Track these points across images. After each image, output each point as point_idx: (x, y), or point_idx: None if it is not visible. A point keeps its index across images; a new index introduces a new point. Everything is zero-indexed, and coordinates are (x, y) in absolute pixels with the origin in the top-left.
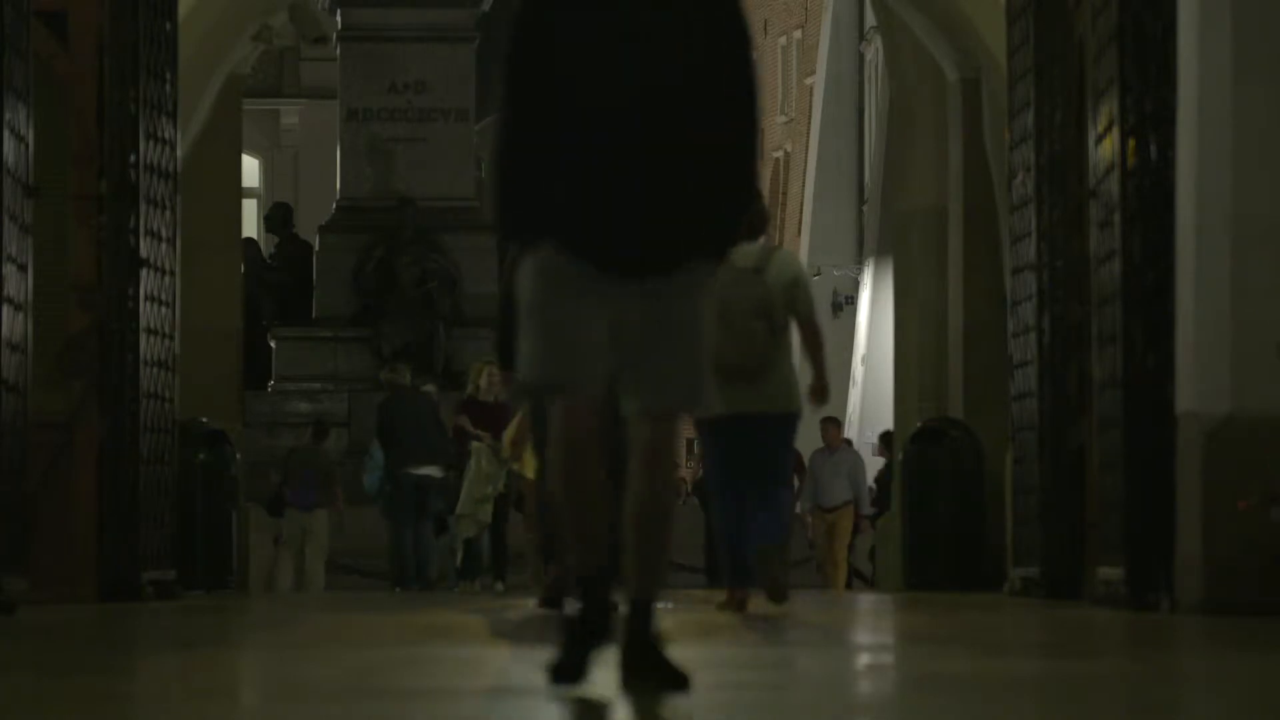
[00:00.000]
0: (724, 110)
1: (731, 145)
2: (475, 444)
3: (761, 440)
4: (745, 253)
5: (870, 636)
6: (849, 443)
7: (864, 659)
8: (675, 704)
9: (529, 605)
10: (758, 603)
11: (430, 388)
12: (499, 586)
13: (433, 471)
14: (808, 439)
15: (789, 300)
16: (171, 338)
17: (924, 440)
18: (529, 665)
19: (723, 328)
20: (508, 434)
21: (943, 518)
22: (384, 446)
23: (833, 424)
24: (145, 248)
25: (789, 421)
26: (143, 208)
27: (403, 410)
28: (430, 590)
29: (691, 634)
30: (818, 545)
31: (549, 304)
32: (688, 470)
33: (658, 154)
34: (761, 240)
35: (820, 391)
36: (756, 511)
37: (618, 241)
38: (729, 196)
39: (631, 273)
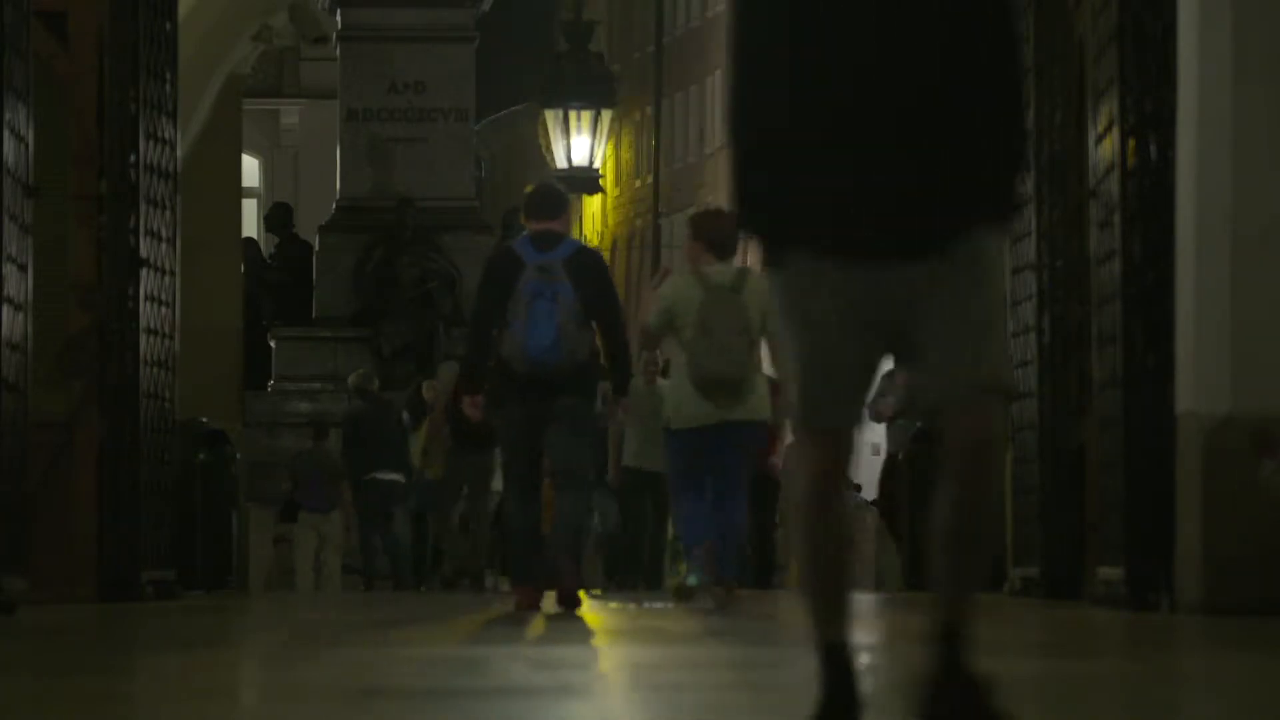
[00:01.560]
0: (984, 58)
1: (996, 96)
2: None
3: (737, 445)
4: (721, 272)
5: (870, 636)
6: None
7: (864, 659)
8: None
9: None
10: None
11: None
12: (488, 582)
13: (397, 477)
14: None
15: (764, 321)
16: (171, 338)
17: (924, 440)
18: (529, 665)
19: (706, 342)
20: (419, 442)
21: None
22: (346, 453)
23: None
24: (145, 248)
25: (760, 427)
26: (143, 208)
27: (370, 417)
28: (401, 589)
29: (689, 634)
30: (778, 542)
31: (804, 327)
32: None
33: (913, 116)
34: (734, 261)
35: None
36: (722, 532)
37: (879, 224)
38: (1001, 151)
39: (901, 256)
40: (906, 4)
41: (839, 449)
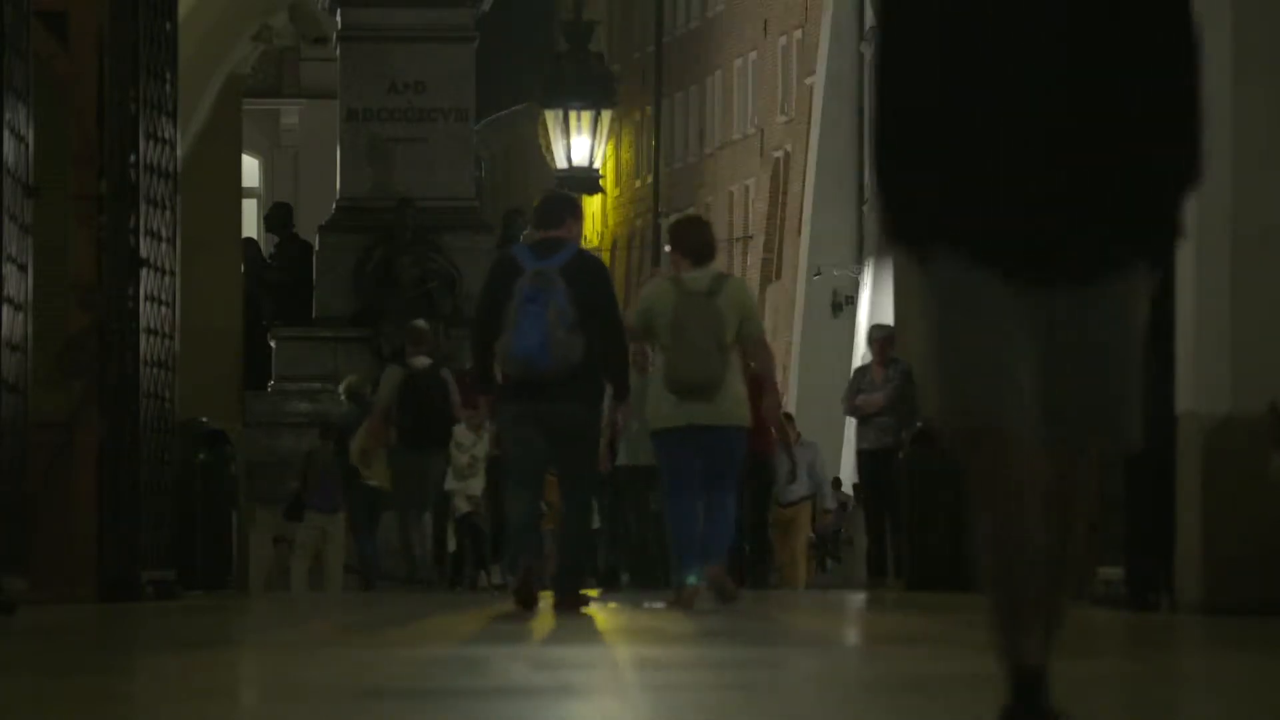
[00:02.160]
0: (1162, 71)
1: (1172, 116)
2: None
3: (715, 451)
4: (697, 278)
5: (867, 637)
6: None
7: (861, 659)
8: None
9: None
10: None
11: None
12: (482, 579)
13: (384, 483)
14: None
15: (742, 326)
16: (171, 338)
17: (924, 441)
18: (529, 665)
19: (679, 348)
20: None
21: (943, 518)
22: (341, 457)
23: (787, 419)
24: (145, 248)
25: (740, 433)
26: (143, 208)
27: (361, 422)
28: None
29: (689, 634)
30: (773, 540)
31: (962, 326)
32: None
33: (1081, 127)
34: (711, 266)
35: (774, 409)
36: (708, 523)
37: (1035, 241)
38: (1173, 181)
39: (1054, 279)
40: (1082, 11)
41: (1023, 457)
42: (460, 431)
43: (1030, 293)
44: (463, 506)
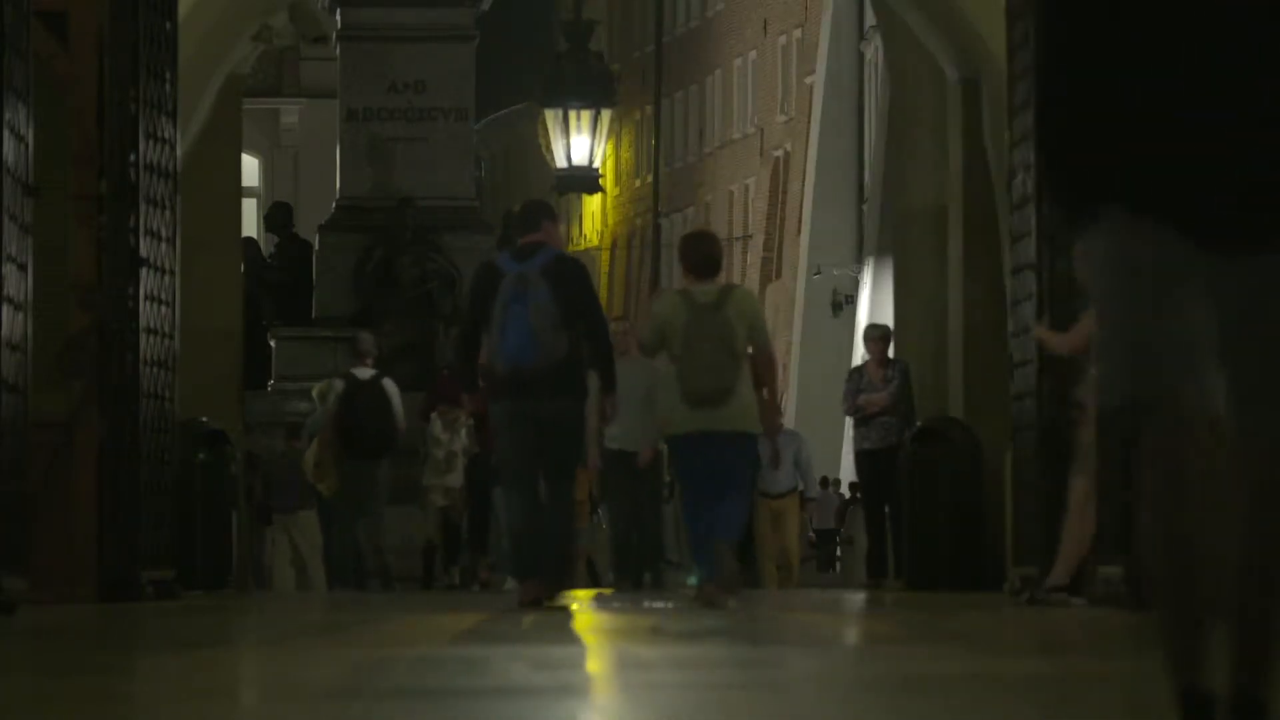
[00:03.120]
0: None
1: None
2: (432, 415)
3: (725, 455)
4: (706, 291)
5: (867, 636)
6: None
7: (861, 659)
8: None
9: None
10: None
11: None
12: (482, 577)
13: (328, 491)
14: None
15: (750, 335)
16: (171, 338)
17: (924, 440)
18: (529, 665)
19: (692, 359)
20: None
21: (943, 518)
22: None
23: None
24: (145, 248)
25: (750, 440)
26: (143, 208)
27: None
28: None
29: (683, 634)
30: (761, 535)
31: (1133, 295)
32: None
33: (1272, 74)
34: (718, 279)
35: (773, 415)
36: (718, 509)
37: (1222, 202)
38: None
39: (1244, 245)
40: None
41: (1202, 442)
42: (436, 428)
43: (1218, 262)
44: (439, 501)
